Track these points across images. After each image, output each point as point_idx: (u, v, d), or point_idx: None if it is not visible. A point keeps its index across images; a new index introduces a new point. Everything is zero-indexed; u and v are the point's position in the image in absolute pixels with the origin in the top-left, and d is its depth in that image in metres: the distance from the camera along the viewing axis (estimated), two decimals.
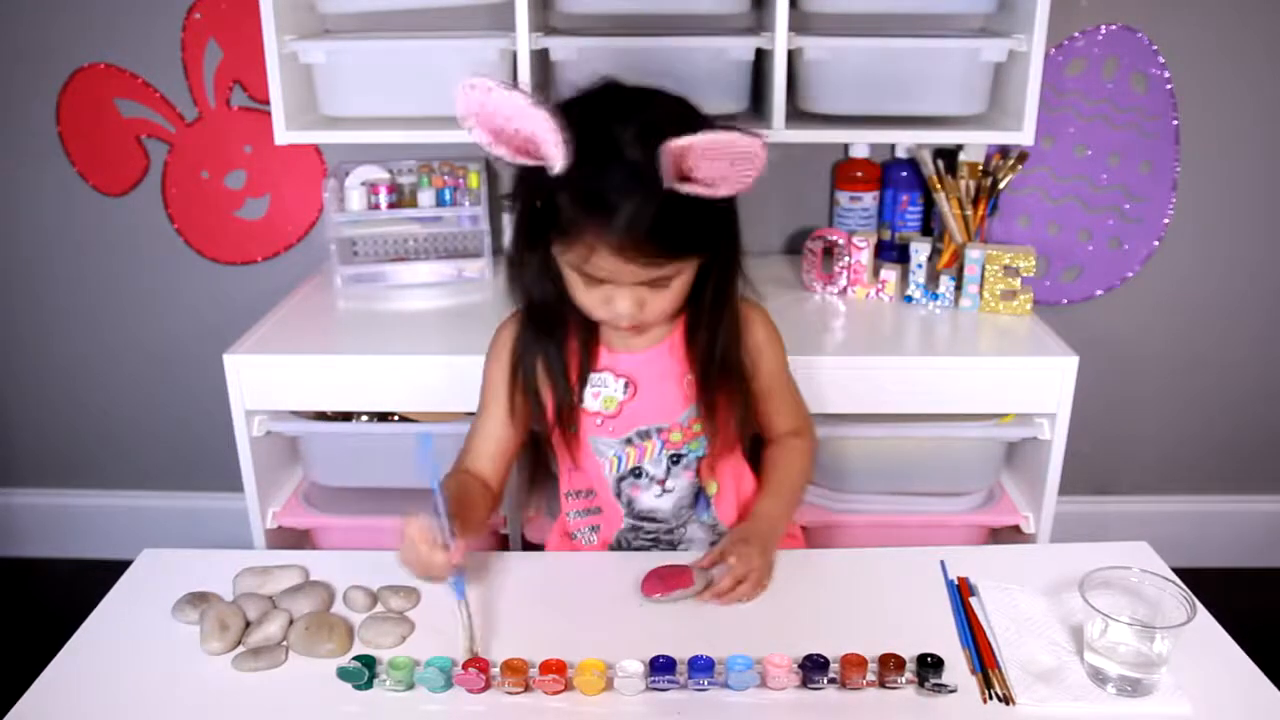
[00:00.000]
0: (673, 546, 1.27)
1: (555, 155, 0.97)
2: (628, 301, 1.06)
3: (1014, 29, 1.71)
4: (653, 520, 1.25)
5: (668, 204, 0.98)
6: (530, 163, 1.01)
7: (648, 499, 1.24)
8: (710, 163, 0.95)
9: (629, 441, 1.21)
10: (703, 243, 1.06)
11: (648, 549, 1.27)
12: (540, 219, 1.05)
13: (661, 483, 1.22)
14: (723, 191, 0.98)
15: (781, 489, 1.24)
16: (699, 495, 1.25)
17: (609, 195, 0.98)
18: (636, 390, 1.18)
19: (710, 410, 1.18)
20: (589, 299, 1.08)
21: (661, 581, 1.10)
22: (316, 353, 1.65)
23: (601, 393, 1.19)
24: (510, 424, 1.22)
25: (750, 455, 1.32)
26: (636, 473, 1.22)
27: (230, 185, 2.10)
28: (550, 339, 1.16)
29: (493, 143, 1.01)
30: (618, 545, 1.28)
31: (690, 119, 1.03)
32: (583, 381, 1.18)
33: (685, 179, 0.97)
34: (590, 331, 1.18)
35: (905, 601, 1.10)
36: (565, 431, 1.19)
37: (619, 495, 1.24)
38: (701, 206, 0.99)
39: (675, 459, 1.22)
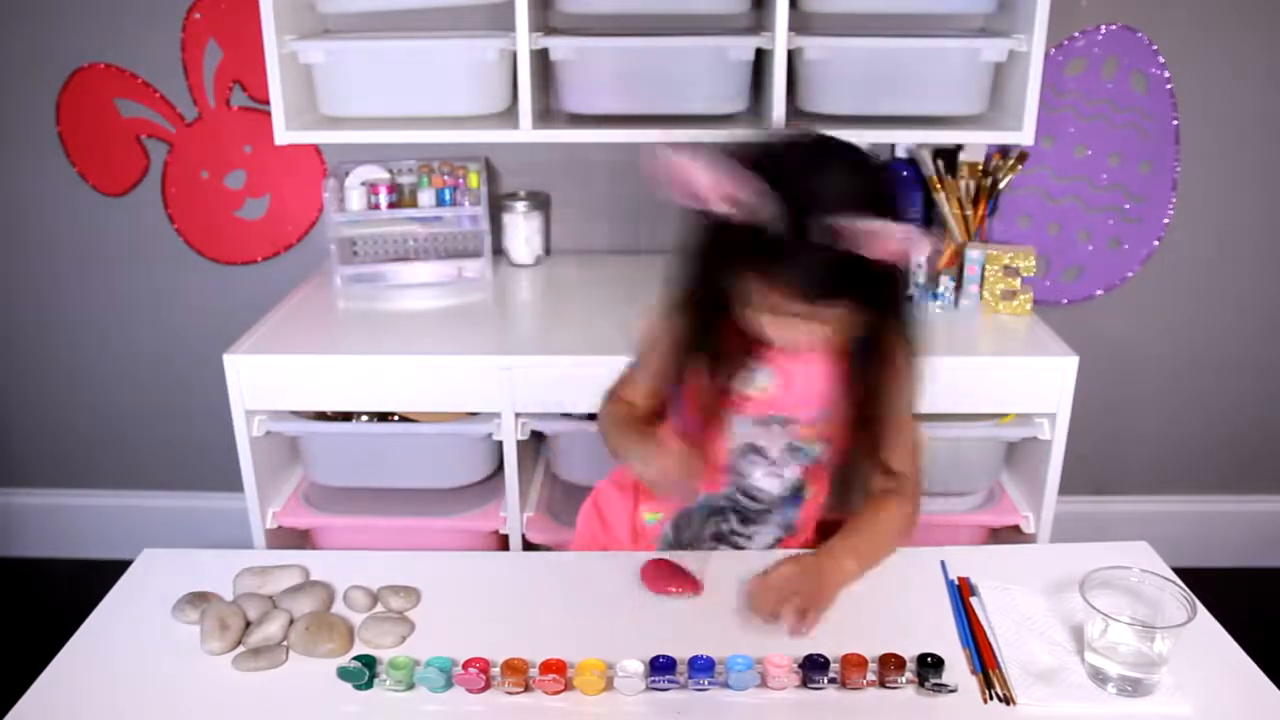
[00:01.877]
0: (746, 525, 1.28)
1: (756, 208, 1.02)
2: (798, 334, 1.11)
3: (1014, 29, 1.71)
4: (752, 498, 1.28)
5: (840, 259, 1.02)
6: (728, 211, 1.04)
7: (755, 478, 1.26)
8: (881, 244, 1.00)
9: (760, 424, 1.23)
10: (861, 293, 1.09)
11: (720, 524, 1.29)
12: (733, 249, 1.08)
13: (777, 464, 1.25)
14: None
15: (862, 536, 1.22)
16: (798, 492, 1.28)
17: (792, 251, 1.02)
18: (786, 385, 1.21)
19: (842, 406, 1.21)
20: (769, 327, 1.12)
21: (664, 578, 1.11)
22: (316, 353, 1.65)
23: (757, 379, 1.22)
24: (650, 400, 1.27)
25: None
26: (756, 451, 1.25)
27: (230, 185, 2.10)
28: (713, 337, 1.19)
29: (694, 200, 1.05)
30: (696, 520, 1.30)
31: (881, 200, 1.07)
32: (747, 373, 1.21)
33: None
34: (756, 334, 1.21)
35: (905, 601, 1.10)
36: (711, 418, 1.22)
37: (732, 468, 1.26)
38: (868, 262, 1.03)
39: (792, 450, 1.25)
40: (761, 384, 1.21)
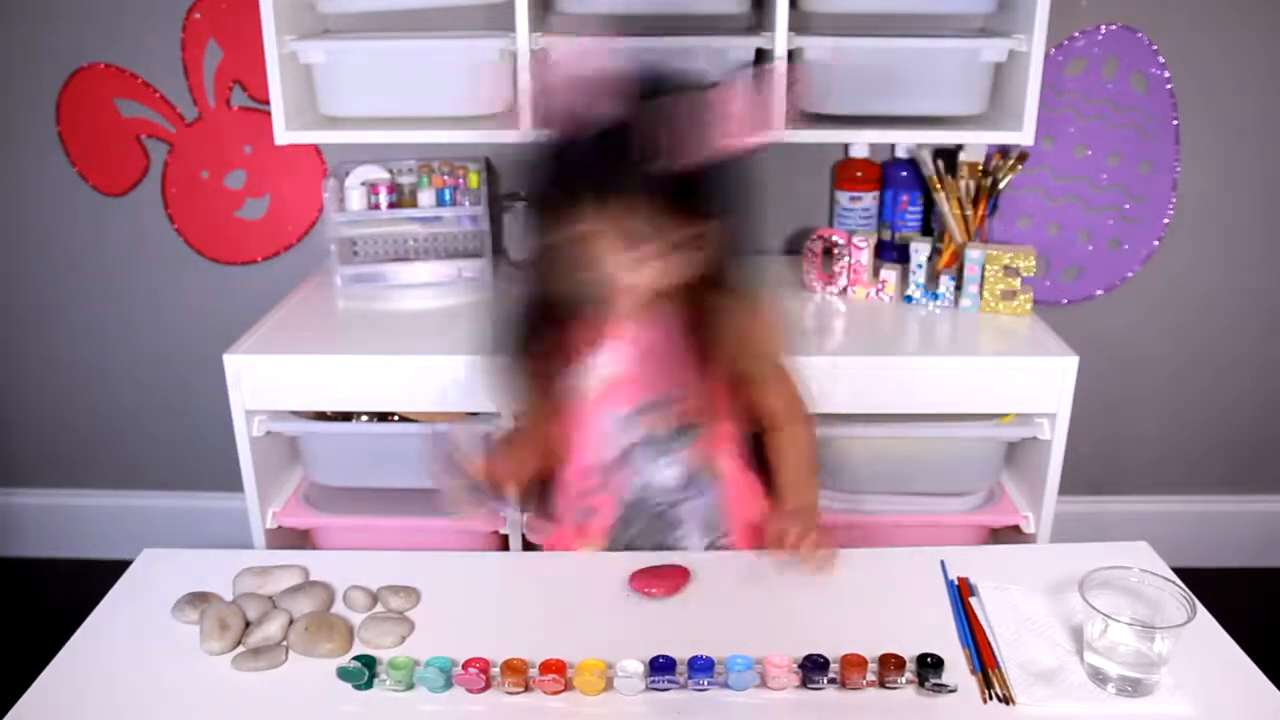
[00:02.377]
0: (670, 525, 1.27)
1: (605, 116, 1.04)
2: (656, 260, 1.10)
3: (1014, 29, 1.71)
4: (653, 494, 1.26)
5: (690, 175, 1.04)
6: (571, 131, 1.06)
7: (651, 471, 1.25)
8: (726, 119, 1.03)
9: (636, 414, 1.22)
10: (725, 206, 1.11)
11: (645, 529, 1.28)
12: (572, 192, 1.10)
13: (667, 453, 1.24)
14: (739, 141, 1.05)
15: (797, 470, 1.26)
16: (701, 475, 1.26)
17: (645, 151, 1.04)
18: (641, 363, 1.20)
19: (699, 382, 1.20)
20: (619, 262, 1.11)
21: (657, 579, 1.11)
22: (316, 353, 1.65)
23: (604, 366, 1.22)
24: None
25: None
26: (642, 444, 1.24)
27: (230, 185, 2.10)
28: (551, 326, 1.20)
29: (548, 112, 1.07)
30: (618, 523, 1.28)
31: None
32: (587, 356, 1.21)
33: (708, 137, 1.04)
34: (594, 313, 1.20)
35: (905, 601, 1.10)
36: (569, 408, 1.23)
37: (624, 468, 1.25)
38: (718, 176, 1.07)
39: (677, 433, 1.24)
40: (615, 370, 1.21)
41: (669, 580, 1.12)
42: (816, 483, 1.27)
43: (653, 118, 1.04)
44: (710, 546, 1.27)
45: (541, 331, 1.21)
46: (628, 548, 1.26)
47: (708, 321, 1.18)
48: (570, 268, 1.15)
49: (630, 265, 1.12)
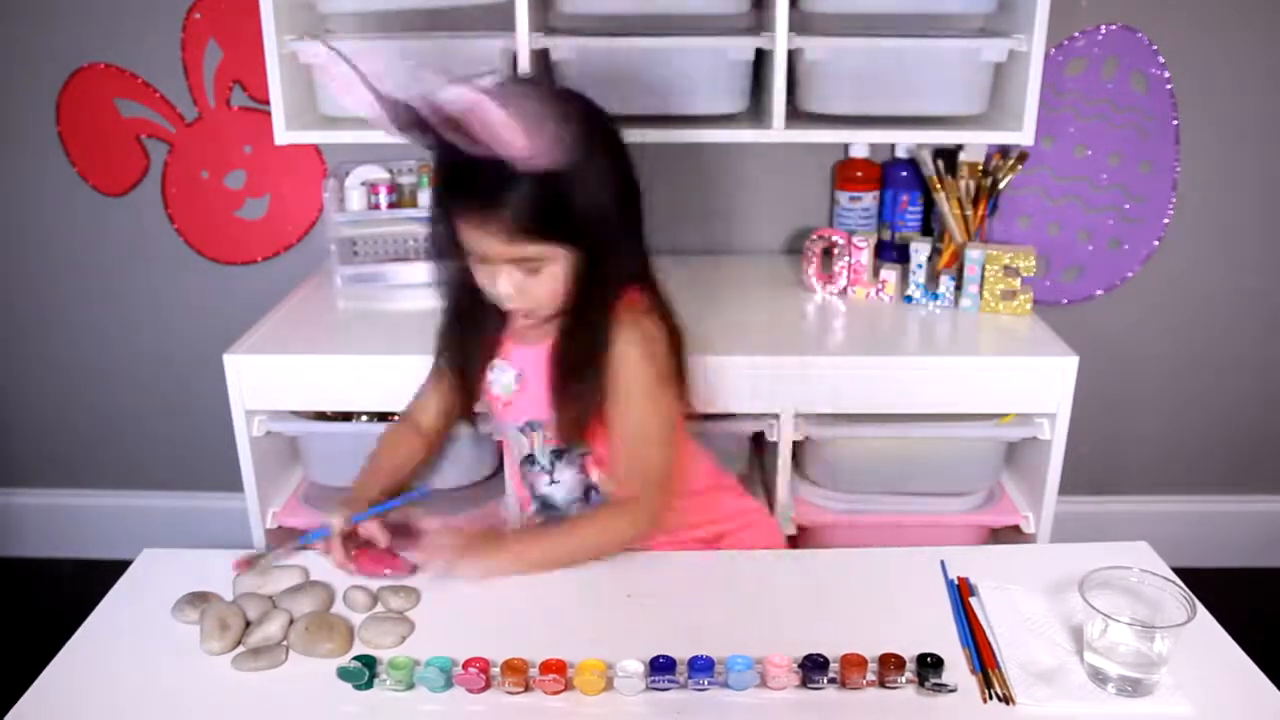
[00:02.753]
0: None
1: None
2: (504, 280, 1.12)
3: (1014, 29, 1.71)
4: (552, 508, 1.29)
5: (525, 186, 1.05)
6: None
7: (542, 486, 1.28)
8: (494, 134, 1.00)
9: (523, 431, 1.26)
10: (564, 232, 1.10)
11: None
12: (447, 189, 1.14)
13: (549, 474, 1.26)
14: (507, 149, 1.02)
15: (546, 540, 1.18)
16: (591, 490, 1.27)
17: (472, 171, 1.07)
18: (525, 383, 1.23)
19: (560, 411, 1.18)
20: (480, 276, 1.15)
21: (373, 562, 1.14)
22: (316, 353, 1.65)
23: (500, 379, 1.25)
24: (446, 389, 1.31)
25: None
26: (531, 460, 1.27)
27: (230, 185, 2.10)
28: (464, 326, 1.24)
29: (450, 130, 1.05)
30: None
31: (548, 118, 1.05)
32: (488, 365, 1.25)
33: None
34: (502, 321, 1.23)
35: (905, 601, 1.10)
36: (467, 407, 1.28)
37: (524, 479, 1.30)
38: (566, 197, 1.07)
39: (558, 453, 1.25)
40: (507, 384, 1.23)
41: (390, 562, 1.14)
42: (535, 565, 1.13)
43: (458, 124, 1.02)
44: None
45: (457, 331, 1.25)
46: None
47: (570, 353, 1.17)
48: (464, 278, 1.18)
49: (486, 281, 1.13)
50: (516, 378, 1.22)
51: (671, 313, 1.19)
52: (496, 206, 1.06)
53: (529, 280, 1.12)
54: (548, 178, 1.04)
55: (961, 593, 1.10)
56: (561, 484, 1.26)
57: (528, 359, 1.21)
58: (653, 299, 1.19)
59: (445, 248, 1.16)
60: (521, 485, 1.31)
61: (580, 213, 1.08)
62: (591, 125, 1.11)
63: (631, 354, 1.14)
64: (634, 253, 1.17)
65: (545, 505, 1.29)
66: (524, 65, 1.69)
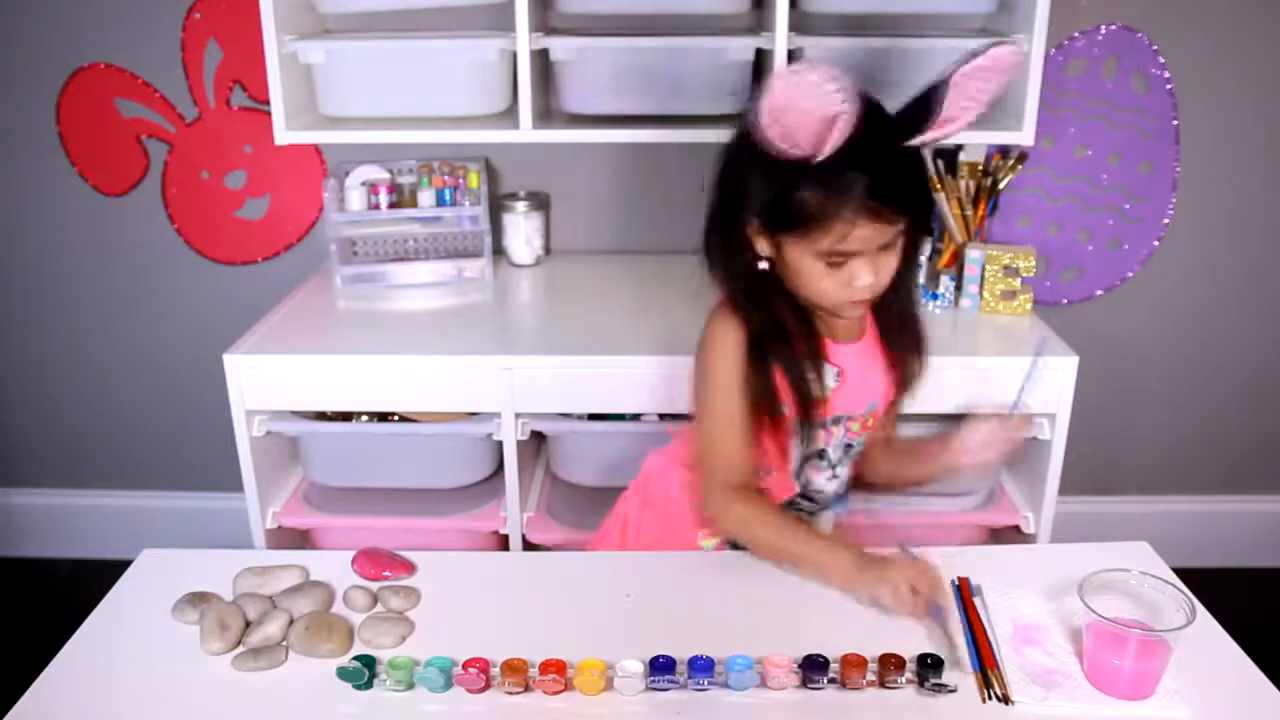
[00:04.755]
0: None
1: (836, 141, 1.02)
2: (870, 271, 1.10)
3: (1014, 29, 1.71)
4: (813, 500, 1.28)
5: (906, 159, 1.10)
6: (790, 152, 1.03)
7: (820, 480, 1.26)
8: (985, 82, 1.09)
9: (823, 426, 1.21)
10: (919, 200, 1.15)
11: None
12: (776, 221, 1.09)
13: (834, 467, 1.25)
14: (963, 122, 1.11)
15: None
16: (846, 487, 1.29)
17: (866, 162, 1.05)
18: (844, 380, 1.20)
19: (904, 386, 1.24)
20: (831, 283, 1.10)
21: (372, 564, 1.14)
22: (316, 353, 1.65)
23: (827, 378, 1.20)
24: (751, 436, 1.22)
25: None
26: (821, 454, 1.24)
27: (230, 185, 2.10)
28: (786, 343, 1.16)
29: (779, 134, 1.03)
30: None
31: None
32: (820, 372, 1.18)
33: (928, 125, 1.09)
34: (812, 329, 1.19)
35: None
36: (811, 423, 1.19)
37: (798, 475, 1.25)
38: (917, 167, 1.13)
39: (848, 447, 1.25)
40: (830, 384, 1.18)
41: (392, 565, 1.14)
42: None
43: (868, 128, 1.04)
44: None
45: (780, 344, 1.16)
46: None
47: (902, 330, 1.21)
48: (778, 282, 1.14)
49: (843, 284, 1.10)
50: (836, 375, 1.19)
51: None
52: (876, 193, 1.05)
53: (884, 261, 1.10)
54: (909, 150, 1.09)
55: (963, 593, 1.10)
56: (839, 478, 1.27)
57: (848, 355, 1.20)
58: None
59: (764, 284, 1.14)
60: (791, 482, 1.25)
61: (927, 183, 1.13)
62: None
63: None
64: None
65: (805, 499, 1.27)
66: (524, 66, 1.69)
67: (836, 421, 1.21)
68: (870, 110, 1.06)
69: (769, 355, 1.15)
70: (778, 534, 1.14)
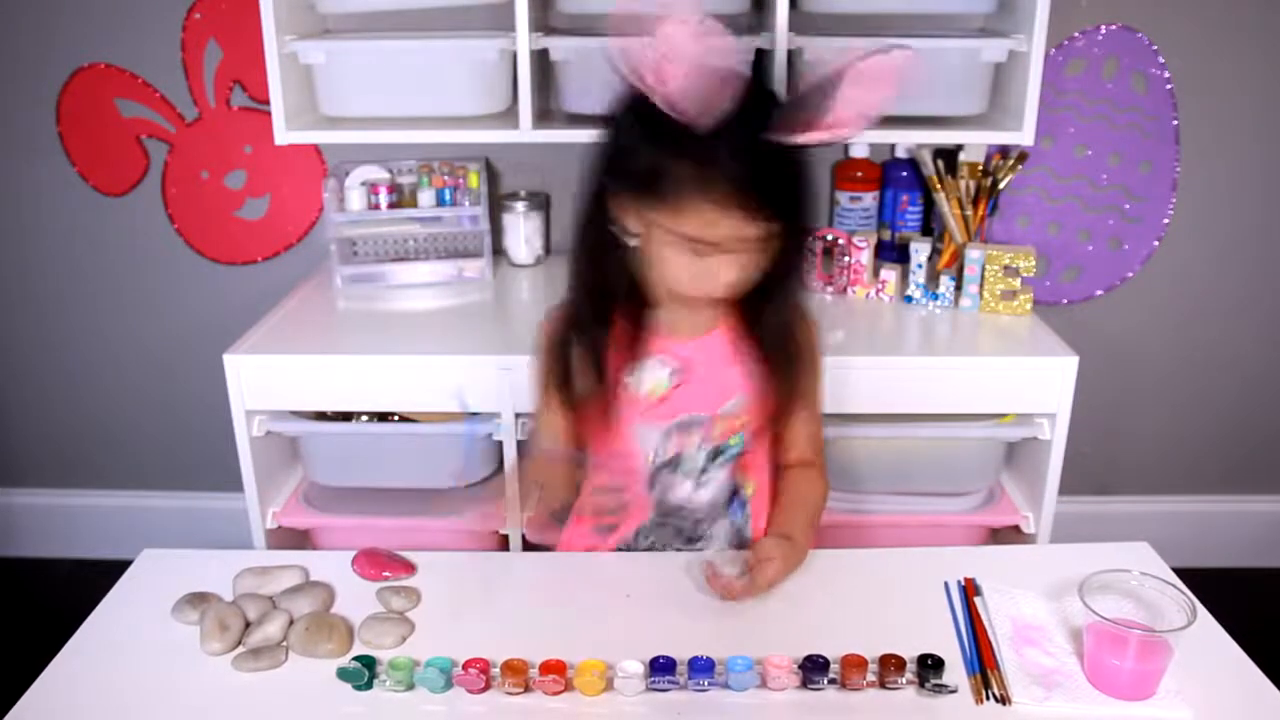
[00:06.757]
0: (693, 542, 1.25)
1: (722, 105, 1.00)
2: (733, 268, 1.07)
3: (1014, 29, 1.71)
4: (680, 516, 1.24)
5: (779, 158, 1.03)
6: (674, 115, 1.01)
7: (682, 492, 1.22)
8: (875, 88, 1.00)
9: (671, 432, 1.20)
10: (797, 205, 1.09)
11: (666, 545, 1.26)
12: (647, 195, 1.06)
13: (698, 476, 1.22)
14: (853, 128, 1.02)
15: (805, 510, 1.21)
16: (734, 495, 1.25)
17: (745, 149, 1.02)
18: (686, 378, 1.18)
19: (763, 393, 1.18)
20: (689, 271, 1.08)
21: (372, 564, 1.13)
22: (316, 353, 1.65)
23: (649, 378, 1.18)
24: (566, 413, 1.22)
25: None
26: (674, 464, 1.21)
27: (230, 185, 2.10)
28: (599, 327, 1.16)
29: (657, 82, 1.02)
30: (636, 538, 1.26)
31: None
32: (633, 366, 1.17)
33: (810, 127, 1.02)
34: (641, 318, 1.17)
35: (905, 601, 1.10)
36: (605, 420, 1.18)
37: (653, 487, 1.23)
38: (799, 170, 1.06)
39: (714, 454, 1.21)
40: (659, 381, 1.17)
41: (395, 565, 1.14)
42: (816, 522, 1.21)
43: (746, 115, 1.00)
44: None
45: (592, 325, 1.16)
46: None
47: (769, 335, 1.16)
48: (630, 265, 1.12)
49: (702, 274, 1.08)
50: (672, 374, 1.17)
51: None
52: (751, 186, 1.02)
53: (748, 261, 1.07)
54: (793, 150, 1.02)
55: (967, 593, 1.10)
56: (709, 486, 1.22)
57: (690, 351, 1.17)
58: None
59: (607, 244, 1.11)
60: (646, 496, 1.23)
61: (805, 187, 1.07)
62: None
63: (816, 345, 1.20)
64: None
65: (670, 515, 1.24)
66: (524, 66, 1.69)
67: (687, 426, 1.19)
68: (758, 93, 1.03)
69: (576, 338, 1.16)
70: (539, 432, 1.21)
